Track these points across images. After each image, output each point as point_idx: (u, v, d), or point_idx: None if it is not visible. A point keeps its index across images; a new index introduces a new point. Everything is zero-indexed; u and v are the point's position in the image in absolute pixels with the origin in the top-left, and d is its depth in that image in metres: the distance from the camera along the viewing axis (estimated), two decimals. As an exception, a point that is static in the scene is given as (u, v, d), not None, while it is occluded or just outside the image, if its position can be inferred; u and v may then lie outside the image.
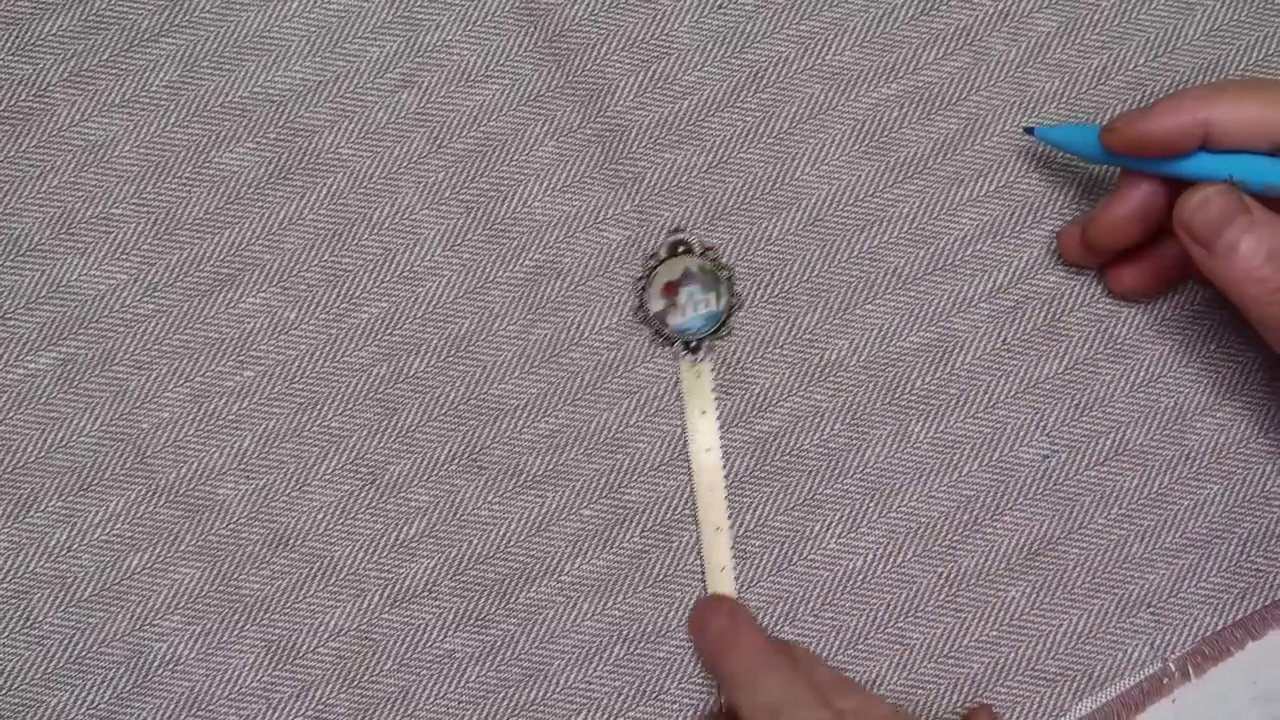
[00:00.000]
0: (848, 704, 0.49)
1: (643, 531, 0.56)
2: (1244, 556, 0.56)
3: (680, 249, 0.56)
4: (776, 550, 0.56)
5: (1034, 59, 0.57)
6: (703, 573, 0.56)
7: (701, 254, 0.56)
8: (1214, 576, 0.56)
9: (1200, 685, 0.55)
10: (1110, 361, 0.56)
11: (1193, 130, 0.50)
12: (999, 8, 0.57)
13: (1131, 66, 0.57)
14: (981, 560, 0.56)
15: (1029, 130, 0.55)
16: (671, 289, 0.56)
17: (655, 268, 0.56)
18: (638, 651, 0.56)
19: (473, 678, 0.56)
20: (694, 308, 0.56)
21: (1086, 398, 0.56)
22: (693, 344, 0.56)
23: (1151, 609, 0.56)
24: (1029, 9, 0.57)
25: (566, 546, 0.56)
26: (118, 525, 0.56)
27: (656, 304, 0.56)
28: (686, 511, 0.56)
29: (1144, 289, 0.56)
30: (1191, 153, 0.51)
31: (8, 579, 0.55)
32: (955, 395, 0.56)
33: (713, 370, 0.56)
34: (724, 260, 0.56)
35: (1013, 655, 0.56)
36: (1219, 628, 0.56)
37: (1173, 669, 0.56)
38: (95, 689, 0.55)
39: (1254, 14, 0.57)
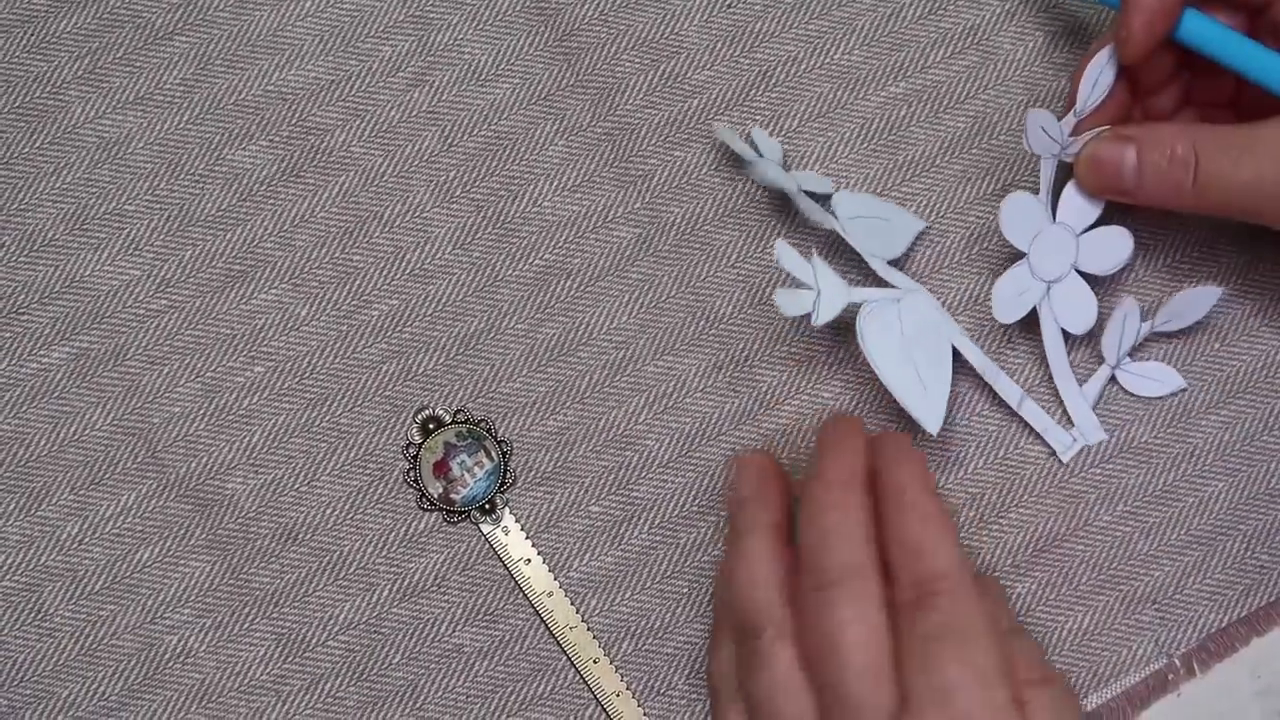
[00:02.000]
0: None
1: (650, 528, 0.56)
2: (1249, 553, 0.56)
3: (432, 426, 0.56)
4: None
5: (1041, 58, 0.57)
6: (596, 698, 0.56)
7: (453, 421, 0.56)
8: (1219, 573, 0.56)
9: (1205, 681, 0.56)
10: (1116, 360, 0.57)
11: None
12: (1006, 7, 0.57)
13: (1137, 66, 0.57)
14: (988, 557, 0.56)
15: None
16: (442, 467, 0.56)
17: (417, 455, 0.56)
18: (645, 647, 0.56)
19: (481, 672, 0.56)
20: (470, 475, 0.56)
21: (1099, 396, 0.57)
22: (485, 506, 0.56)
23: (1156, 605, 0.56)
24: (1036, 8, 0.57)
25: (574, 543, 0.56)
26: (128, 519, 0.56)
27: (435, 488, 0.56)
28: (694, 508, 0.56)
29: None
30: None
31: (19, 571, 0.56)
32: (961, 393, 0.57)
33: (518, 521, 0.56)
34: (475, 415, 0.56)
35: (1018, 651, 0.56)
36: (1223, 624, 0.56)
37: (1177, 665, 0.56)
38: (106, 681, 0.55)
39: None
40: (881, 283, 0.55)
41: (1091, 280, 0.55)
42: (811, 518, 0.49)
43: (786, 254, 0.53)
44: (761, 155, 0.56)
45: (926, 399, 0.54)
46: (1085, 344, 0.57)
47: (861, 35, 0.57)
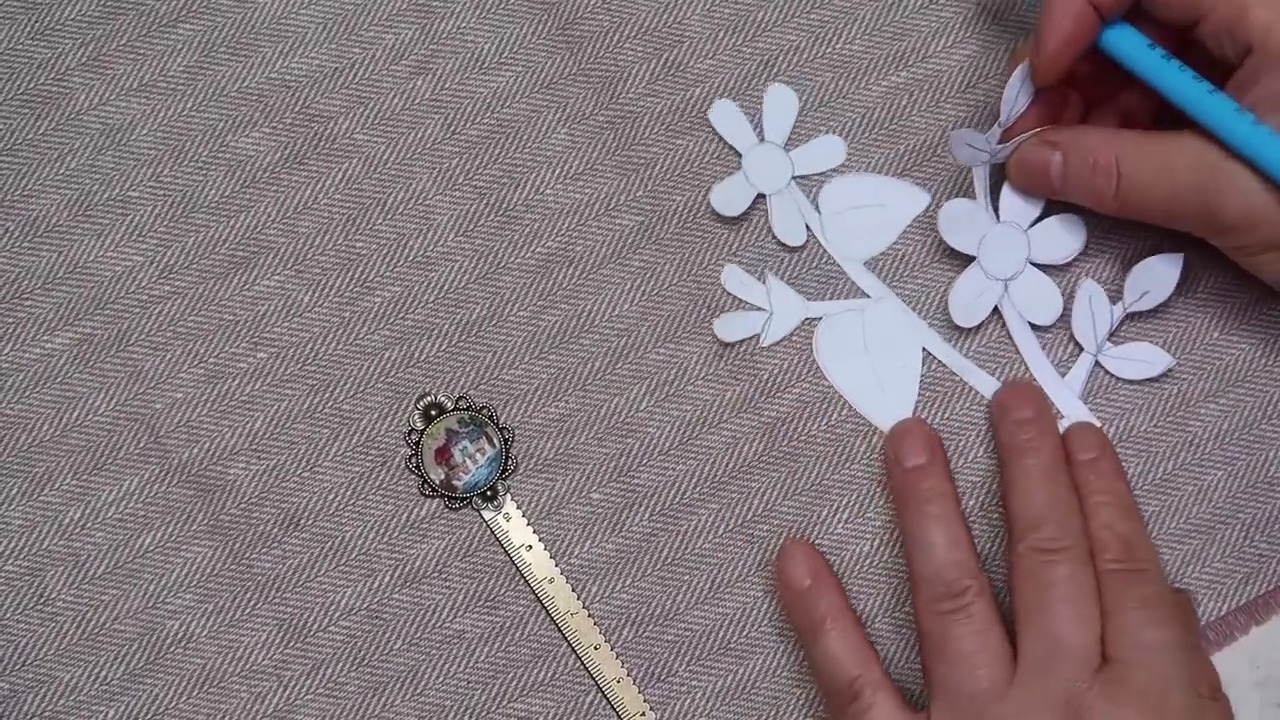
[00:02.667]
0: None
1: (651, 515, 0.57)
2: (1247, 542, 0.56)
3: (434, 412, 0.57)
4: (784, 536, 0.56)
5: (1041, 47, 0.57)
6: (597, 684, 0.56)
7: (454, 408, 0.57)
8: (1217, 562, 0.56)
9: (1204, 669, 0.56)
10: (1115, 349, 0.57)
11: (1086, 14, 0.51)
12: (1007, -3, 0.58)
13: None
14: (988, 544, 0.56)
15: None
16: (444, 454, 0.57)
17: (419, 441, 0.57)
18: (646, 634, 0.56)
19: (482, 658, 0.56)
20: (472, 461, 0.57)
21: (1090, 384, 0.57)
22: (487, 493, 0.57)
23: (1156, 593, 0.56)
24: (1036, -2, 0.58)
25: (575, 529, 0.57)
26: (131, 504, 0.56)
27: (437, 474, 0.56)
28: (695, 496, 0.57)
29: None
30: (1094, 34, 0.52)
31: (22, 556, 0.56)
32: (960, 383, 0.57)
33: (520, 508, 0.56)
34: (477, 402, 0.57)
35: (1018, 639, 0.56)
36: (1223, 613, 0.56)
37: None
38: (108, 665, 0.56)
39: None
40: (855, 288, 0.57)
41: (1052, 271, 0.56)
42: (1028, 494, 0.53)
43: (735, 277, 0.57)
44: (762, 139, 0.56)
45: (882, 402, 0.57)
46: (1070, 337, 0.57)
47: (863, 24, 0.58)
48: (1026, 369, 0.57)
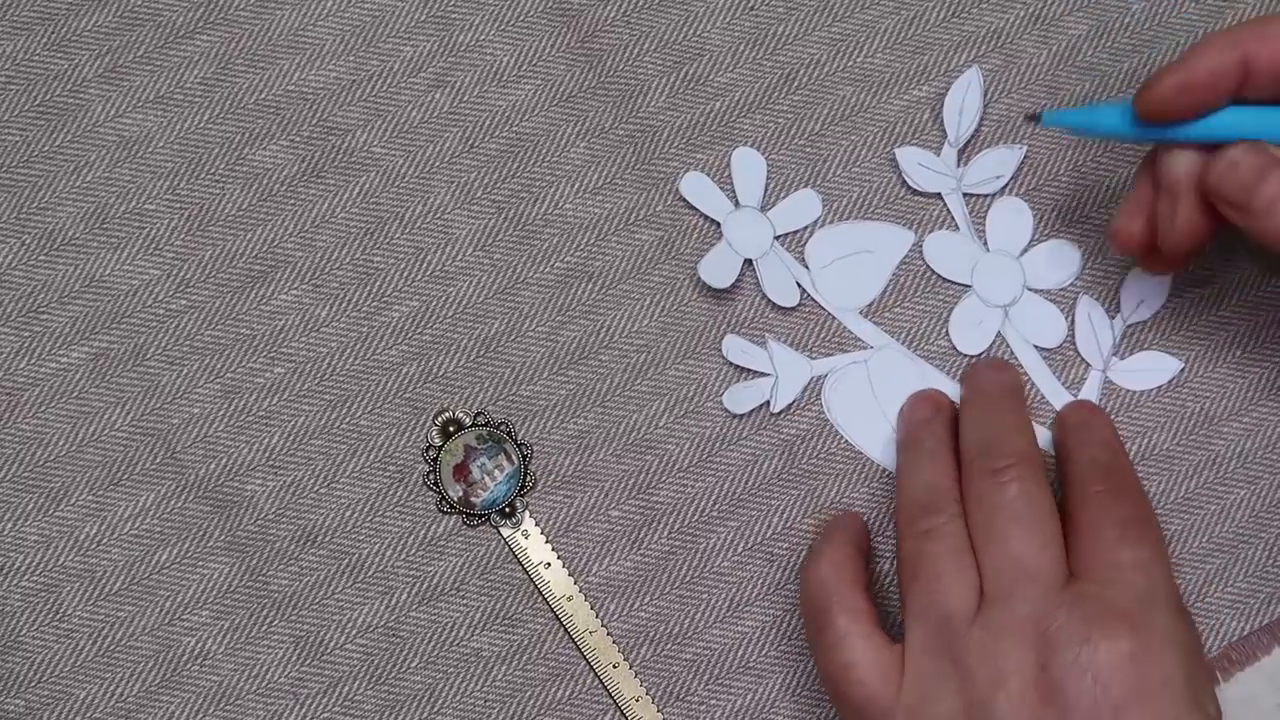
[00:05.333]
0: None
1: (670, 533, 0.56)
2: (1270, 561, 0.56)
3: (452, 428, 0.56)
4: (803, 553, 0.56)
5: (1064, 62, 0.57)
6: (615, 703, 0.56)
7: (473, 424, 0.56)
8: (1240, 581, 0.56)
9: (1227, 690, 0.55)
10: (1138, 366, 0.57)
11: (1230, 70, 0.48)
12: (1029, 10, 0.57)
13: (1163, 71, 0.57)
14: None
15: (1033, 118, 0.52)
16: (462, 470, 0.56)
17: (437, 457, 0.56)
18: (664, 653, 0.56)
19: (499, 676, 0.56)
20: (490, 478, 0.56)
21: (1111, 403, 0.56)
22: (505, 510, 0.56)
23: (1179, 613, 0.56)
24: (1060, 11, 0.57)
25: (594, 547, 0.56)
26: (147, 520, 0.56)
27: (455, 490, 0.56)
28: (714, 513, 0.56)
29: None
30: (1223, 106, 0.49)
31: (38, 572, 0.55)
32: (983, 398, 0.56)
33: (538, 525, 0.56)
34: (495, 418, 0.56)
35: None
36: (1245, 632, 0.56)
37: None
38: (124, 682, 0.55)
39: (1284, 21, 0.57)
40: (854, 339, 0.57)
41: (1050, 295, 0.57)
42: (975, 421, 0.53)
43: (736, 347, 0.56)
44: (739, 204, 0.56)
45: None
46: (1078, 356, 0.57)
47: (885, 38, 0.57)
48: (1037, 392, 0.56)
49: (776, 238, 0.56)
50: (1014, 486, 0.50)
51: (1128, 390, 0.56)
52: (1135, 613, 0.48)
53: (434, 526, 0.56)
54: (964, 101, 0.56)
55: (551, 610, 0.56)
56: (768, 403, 0.56)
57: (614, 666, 0.56)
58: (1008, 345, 0.56)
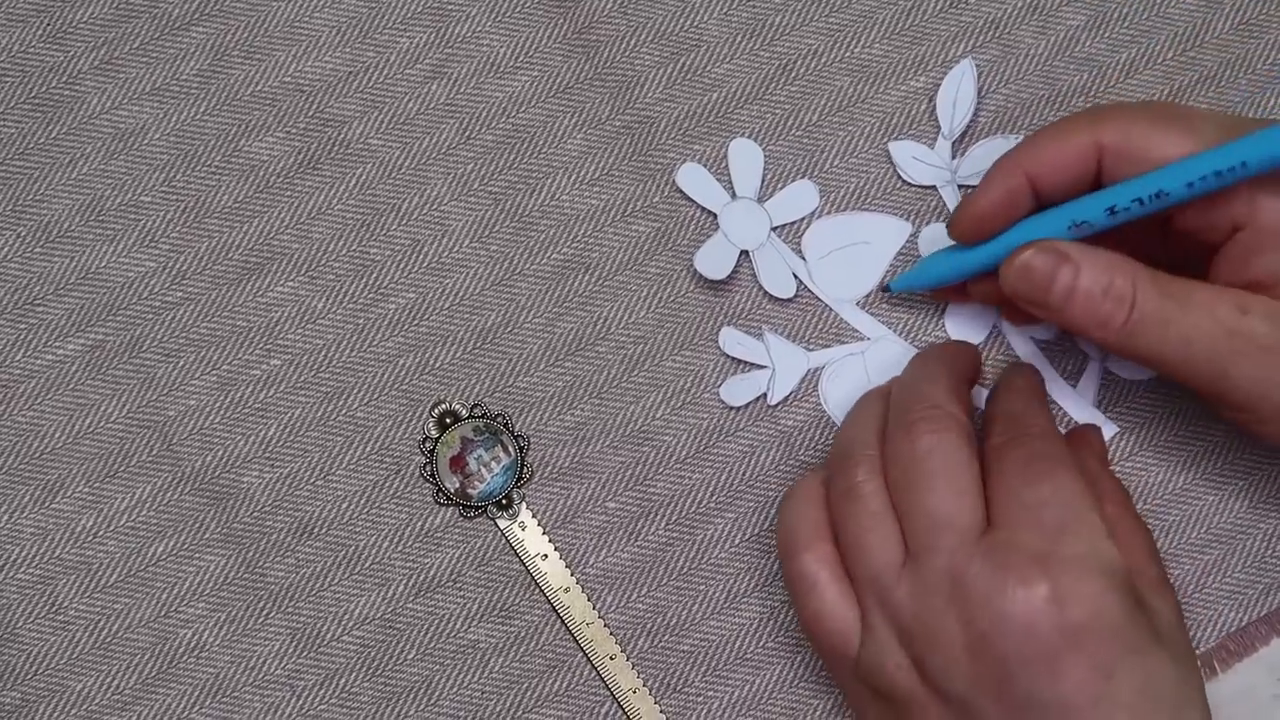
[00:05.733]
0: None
1: (667, 524, 0.56)
2: (1268, 551, 0.56)
3: (449, 420, 0.56)
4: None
5: (1062, 52, 0.57)
6: (613, 695, 0.56)
7: (469, 416, 0.56)
8: (1238, 572, 0.56)
9: (1225, 681, 0.55)
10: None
11: (1019, 188, 0.50)
12: (1027, 1, 0.57)
13: (1160, 61, 0.57)
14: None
15: (886, 289, 0.56)
16: (458, 462, 0.56)
17: (434, 449, 0.56)
18: (661, 644, 0.56)
19: (496, 668, 0.56)
20: (487, 469, 0.56)
21: (1109, 394, 0.56)
22: (502, 502, 0.56)
23: (1177, 604, 0.56)
24: (1058, 3, 0.57)
25: (591, 539, 0.56)
26: (143, 512, 0.56)
27: (451, 482, 0.56)
28: (711, 504, 0.56)
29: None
30: (1026, 216, 0.51)
31: (34, 564, 0.55)
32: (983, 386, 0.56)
33: (535, 517, 0.56)
34: (492, 410, 0.56)
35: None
36: (1243, 623, 0.56)
37: (1198, 665, 0.56)
38: (120, 674, 0.55)
39: (1282, 10, 0.58)
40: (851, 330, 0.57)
41: None
42: (901, 383, 0.52)
43: (733, 340, 0.56)
44: (735, 195, 0.56)
45: None
46: (1075, 347, 0.57)
47: (882, 28, 0.57)
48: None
49: (773, 229, 0.56)
50: (926, 439, 0.49)
51: (1126, 380, 0.56)
52: (1047, 552, 0.47)
53: (430, 518, 0.56)
54: (957, 93, 0.56)
55: (549, 602, 0.56)
56: (765, 395, 0.56)
57: (611, 658, 0.55)
58: (1004, 337, 0.56)
